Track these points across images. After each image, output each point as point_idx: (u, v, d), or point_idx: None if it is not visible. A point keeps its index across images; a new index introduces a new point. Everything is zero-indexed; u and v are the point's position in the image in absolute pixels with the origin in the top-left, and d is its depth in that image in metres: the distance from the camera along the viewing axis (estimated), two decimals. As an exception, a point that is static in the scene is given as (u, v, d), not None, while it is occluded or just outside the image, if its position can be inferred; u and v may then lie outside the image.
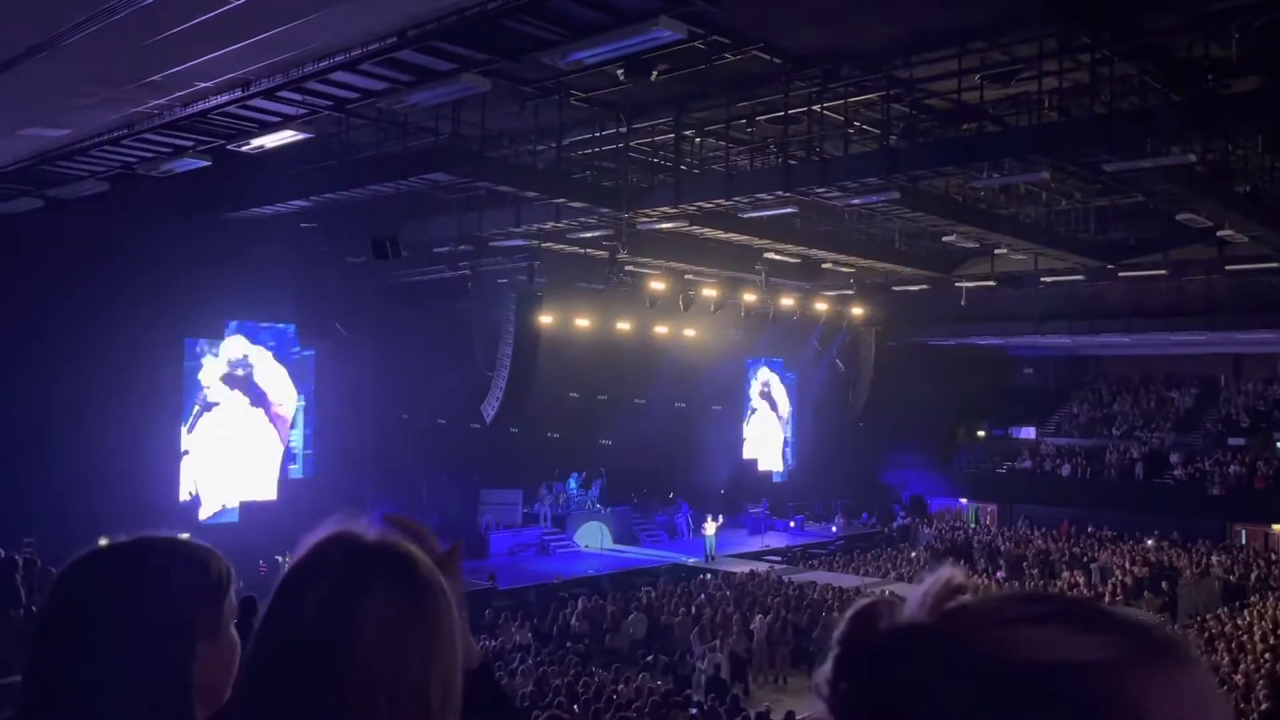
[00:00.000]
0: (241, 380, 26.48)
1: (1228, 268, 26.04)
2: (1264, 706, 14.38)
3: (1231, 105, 14.16)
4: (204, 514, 24.92)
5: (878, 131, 17.13)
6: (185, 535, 1.53)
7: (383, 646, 1.08)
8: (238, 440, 26.05)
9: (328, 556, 1.14)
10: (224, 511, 25.40)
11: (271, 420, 26.95)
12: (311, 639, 1.08)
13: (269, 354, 26.94)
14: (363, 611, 1.09)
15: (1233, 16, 12.92)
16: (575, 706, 13.42)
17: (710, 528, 30.09)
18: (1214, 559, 28.64)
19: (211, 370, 25.92)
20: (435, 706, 1.11)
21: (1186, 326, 31.16)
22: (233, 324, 26.15)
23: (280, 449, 26.99)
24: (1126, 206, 22.95)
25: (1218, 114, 13.99)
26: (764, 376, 40.01)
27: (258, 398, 26.77)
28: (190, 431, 25.21)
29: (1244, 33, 13.13)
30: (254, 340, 26.69)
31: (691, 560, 29.25)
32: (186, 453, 25.12)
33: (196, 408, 25.52)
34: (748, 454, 38.74)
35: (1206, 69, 13.78)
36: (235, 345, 26.36)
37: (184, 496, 24.87)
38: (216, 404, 25.86)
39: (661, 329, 31.89)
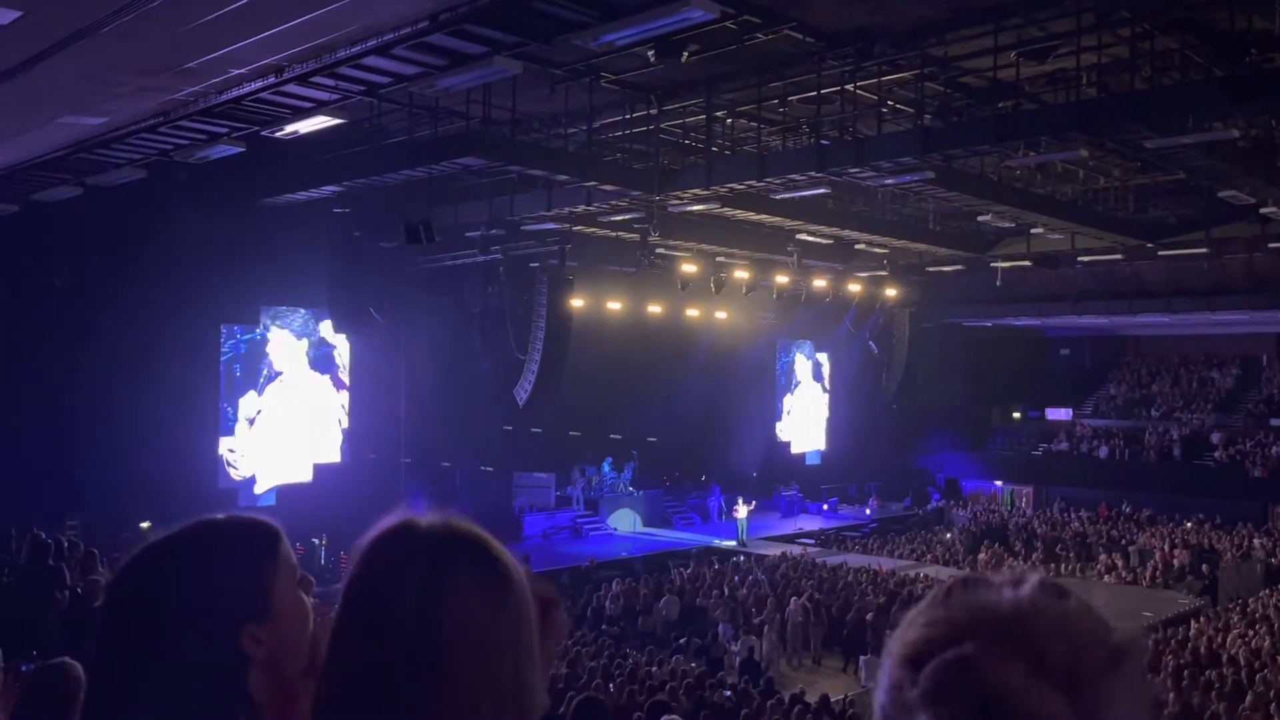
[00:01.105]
0: (313, 359, 27.10)
1: (1270, 245, 25.54)
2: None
3: (1275, 79, 13.84)
4: (245, 493, 25.35)
5: (912, 110, 16.91)
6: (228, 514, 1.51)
7: (476, 644, 1.09)
8: (296, 417, 26.61)
9: (406, 556, 1.13)
10: (263, 494, 25.75)
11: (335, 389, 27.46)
12: (411, 645, 1.07)
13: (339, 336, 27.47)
14: (457, 610, 1.09)
15: (1278, -12, 12.62)
16: (610, 688, 13.50)
17: (742, 511, 30.07)
18: (1255, 541, 28.21)
19: (280, 344, 26.49)
20: (528, 704, 1.12)
21: (1227, 306, 30.61)
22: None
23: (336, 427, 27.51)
24: (1166, 184, 22.54)
25: (1261, 88, 13.67)
26: (796, 358, 39.87)
27: (325, 375, 27.32)
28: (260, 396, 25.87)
29: (1289, 4, 12.82)
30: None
31: (724, 543, 29.27)
32: (253, 419, 25.72)
33: (264, 374, 26.17)
34: (780, 436, 38.65)
35: (1249, 42, 13.48)
36: (308, 324, 26.90)
37: (243, 474, 25.46)
38: (280, 375, 26.41)
39: (693, 312, 31.82)
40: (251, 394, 26.01)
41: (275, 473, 26.10)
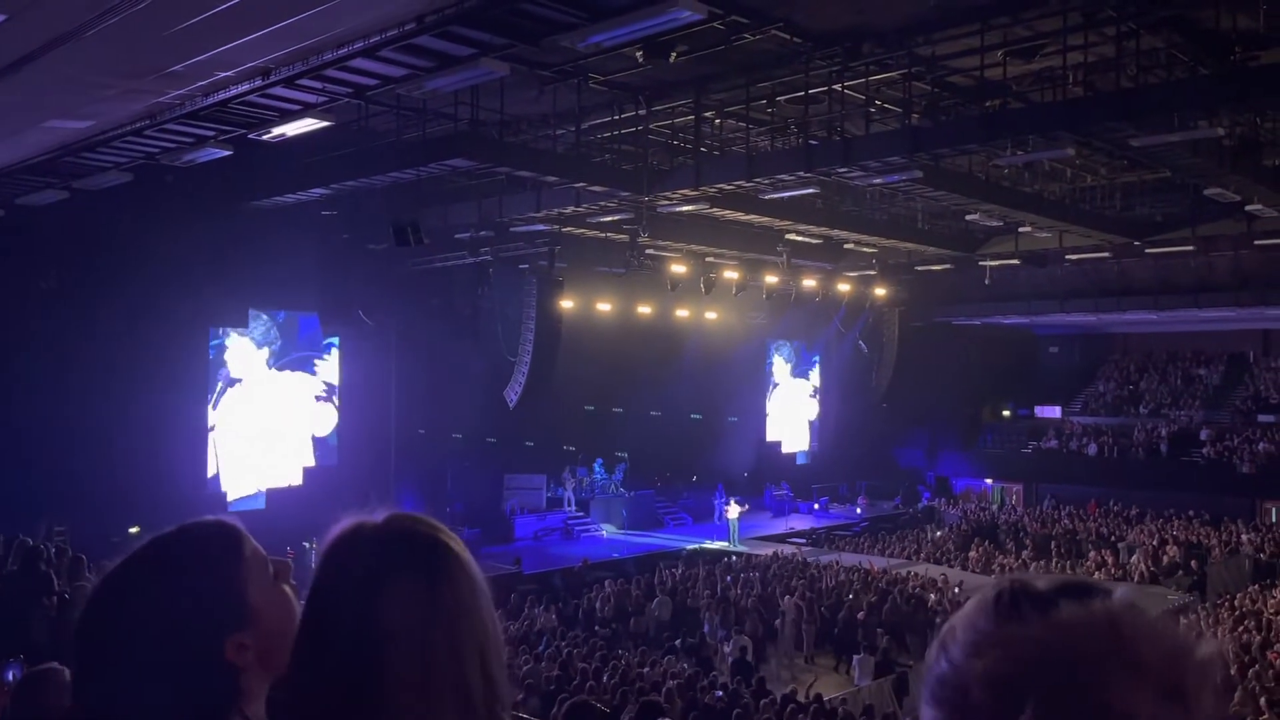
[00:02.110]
0: (288, 363, 26.94)
1: (1256, 243, 25.68)
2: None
3: (1260, 77, 13.90)
4: (231, 499, 25.21)
5: (899, 110, 16.95)
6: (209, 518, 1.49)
7: (409, 648, 1.08)
8: (271, 423, 26.44)
9: (345, 563, 1.14)
10: (252, 497, 25.66)
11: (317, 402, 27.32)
12: (346, 651, 1.09)
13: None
14: (385, 616, 1.09)
15: (1262, -14, 12.70)
16: (602, 689, 13.49)
17: (733, 512, 30.09)
18: (1244, 537, 28.36)
19: (247, 350, 26.28)
20: (478, 696, 1.10)
21: (1214, 303, 30.77)
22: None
23: (313, 435, 27.34)
24: (1153, 182, 22.66)
25: (1246, 86, 13.75)
26: (786, 358, 39.93)
27: (300, 381, 27.18)
28: (214, 409, 25.60)
29: (1271, 3, 12.91)
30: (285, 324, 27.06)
31: (715, 544, 29.28)
32: (212, 427, 25.47)
33: (220, 385, 25.90)
34: (771, 436, 38.69)
35: (1234, 40, 13.56)
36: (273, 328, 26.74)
37: (227, 487, 25.29)
38: (239, 381, 26.18)
39: (683, 312, 31.84)
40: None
41: (262, 477, 25.98)
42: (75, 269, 21.57)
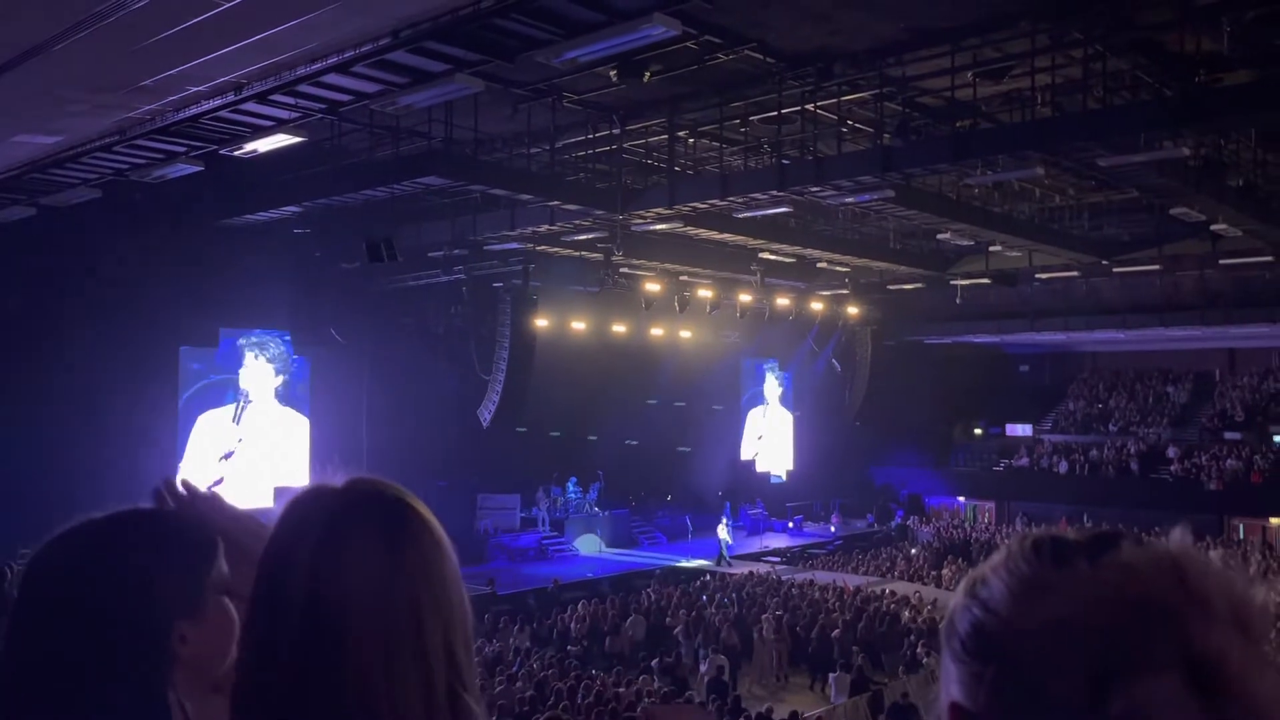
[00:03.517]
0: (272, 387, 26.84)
1: (1221, 262, 26.09)
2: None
3: (1224, 99, 14.18)
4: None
5: (871, 130, 17.14)
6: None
7: (370, 603, 1.02)
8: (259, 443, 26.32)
9: (304, 519, 1.10)
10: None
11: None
12: (304, 606, 1.03)
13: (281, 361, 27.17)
14: (345, 571, 1.03)
15: (1223, 10, 12.96)
16: (576, 710, 13.38)
17: (723, 531, 30.08)
18: (1212, 554, 28.58)
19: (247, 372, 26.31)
20: (437, 660, 1.04)
21: (1181, 321, 31.23)
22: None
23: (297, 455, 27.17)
24: (1120, 202, 23.00)
25: (1210, 108, 14.00)
26: (760, 377, 40.02)
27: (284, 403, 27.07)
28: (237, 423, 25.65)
29: (1235, 26, 13.18)
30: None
31: (690, 563, 29.20)
32: (230, 454, 25.49)
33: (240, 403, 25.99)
34: (745, 455, 38.72)
35: (1198, 63, 13.82)
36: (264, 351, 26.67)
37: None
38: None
39: (657, 331, 31.87)
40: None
41: (234, 498, 25.65)
42: (42, 289, 21.26)
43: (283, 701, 1.02)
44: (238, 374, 26.23)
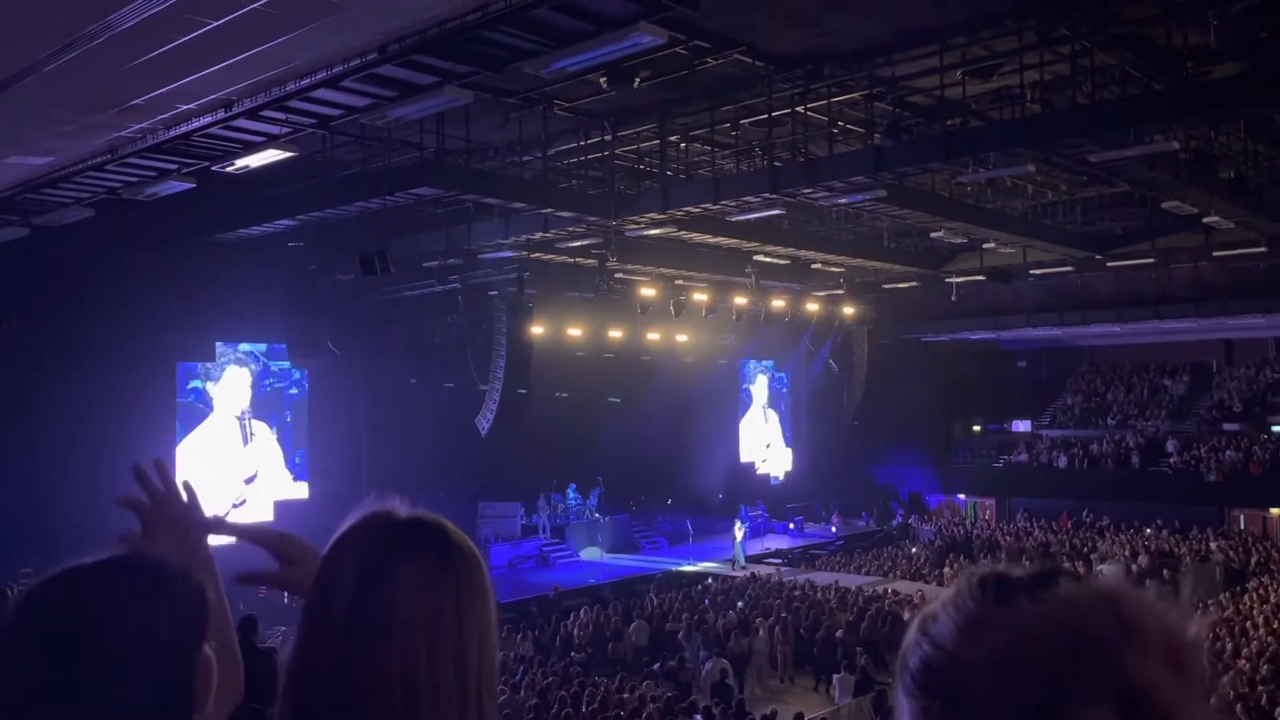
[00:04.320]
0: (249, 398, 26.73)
1: (1215, 254, 26.14)
2: (1270, 688, 14.38)
3: (1212, 91, 14.23)
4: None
5: (862, 130, 17.17)
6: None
7: (416, 612, 1.12)
8: (239, 458, 26.19)
9: (363, 531, 1.19)
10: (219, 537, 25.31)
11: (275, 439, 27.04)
12: (350, 608, 1.12)
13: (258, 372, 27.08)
14: (397, 580, 1.13)
15: (1210, 3, 13.00)
16: (580, 717, 13.38)
17: (739, 532, 30.10)
18: (1213, 545, 28.67)
19: (217, 387, 26.14)
20: (473, 672, 1.13)
21: (1176, 314, 31.25)
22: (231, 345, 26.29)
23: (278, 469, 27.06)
24: (1112, 196, 23.04)
25: (1199, 101, 14.04)
26: (758, 379, 40.04)
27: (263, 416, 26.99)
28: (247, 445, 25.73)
29: (1221, 19, 13.20)
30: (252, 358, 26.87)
31: (690, 566, 29.20)
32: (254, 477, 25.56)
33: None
34: (744, 457, 38.72)
35: (1186, 56, 13.86)
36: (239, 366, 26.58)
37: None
38: (214, 419, 25.98)
39: (653, 335, 31.88)
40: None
41: (234, 513, 25.65)
42: (37, 308, 21.26)
43: (330, 706, 1.11)
44: (210, 390, 25.98)
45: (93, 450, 20.99)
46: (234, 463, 26.21)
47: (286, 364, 26.90)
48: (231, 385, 26.38)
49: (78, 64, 9.66)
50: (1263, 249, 24.94)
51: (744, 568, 28.63)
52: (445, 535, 1.21)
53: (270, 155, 14.12)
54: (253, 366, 26.78)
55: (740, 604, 22.43)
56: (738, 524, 30.43)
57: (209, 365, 25.95)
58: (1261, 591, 22.85)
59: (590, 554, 30.93)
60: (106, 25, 8.57)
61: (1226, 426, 35.11)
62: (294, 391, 27.67)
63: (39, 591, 1.29)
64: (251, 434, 26.59)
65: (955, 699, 0.81)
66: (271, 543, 1.51)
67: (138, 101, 10.99)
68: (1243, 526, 32.10)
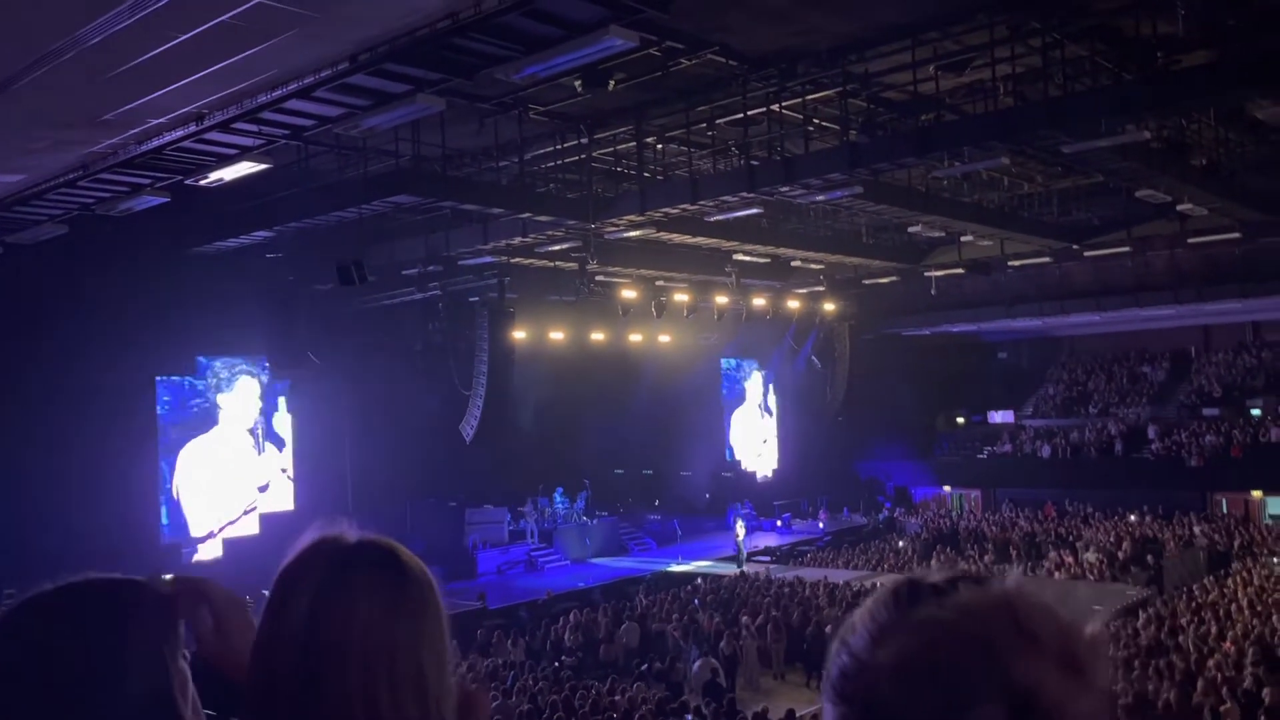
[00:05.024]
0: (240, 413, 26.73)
1: (1190, 241, 26.36)
2: (1257, 670, 14.50)
3: (1182, 80, 14.33)
4: (195, 533, 24.99)
5: (837, 127, 17.23)
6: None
7: (375, 635, 1.12)
8: (226, 473, 26.13)
9: (315, 556, 1.19)
10: (208, 549, 25.20)
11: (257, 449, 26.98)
12: (306, 634, 1.12)
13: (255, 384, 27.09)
14: (352, 603, 1.13)
15: (1177, -8, 13.10)
16: (572, 721, 13.36)
17: (740, 530, 30.14)
18: (1196, 529, 28.91)
19: (229, 396, 26.33)
20: (433, 690, 1.15)
21: (1154, 301, 31.53)
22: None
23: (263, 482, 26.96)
24: (1087, 187, 23.20)
25: (1169, 90, 14.15)
26: (742, 378, 40.11)
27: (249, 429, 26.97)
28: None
29: (1190, 9, 13.32)
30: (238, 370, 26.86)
31: (680, 567, 29.21)
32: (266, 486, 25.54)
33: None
34: (730, 455, 38.78)
35: (1155, 46, 13.97)
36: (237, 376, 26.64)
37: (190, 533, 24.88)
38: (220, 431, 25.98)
39: (636, 337, 31.88)
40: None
41: (220, 526, 25.55)
42: (11, 327, 21.06)
43: None
44: (216, 399, 26.14)
45: (73, 466, 20.86)
46: (246, 472, 26.34)
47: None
48: (242, 395, 26.53)
49: (47, 80, 9.59)
50: (1236, 235, 25.17)
51: (744, 563, 28.68)
52: (397, 558, 1.21)
53: (244, 167, 14.04)
54: (262, 378, 26.80)
55: (716, 597, 22.48)
56: (739, 522, 30.50)
57: (220, 375, 26.09)
58: (1245, 575, 23.06)
59: (574, 550, 30.97)
60: (74, 41, 8.50)
61: (1206, 411, 35.42)
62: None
63: (3, 623, 1.30)
64: (264, 445, 26.61)
65: (869, 706, 0.85)
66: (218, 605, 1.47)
67: (108, 117, 10.92)
68: (1225, 510, 32.39)
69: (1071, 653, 0.83)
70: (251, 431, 26.78)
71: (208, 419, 25.98)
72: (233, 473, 26.11)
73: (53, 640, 1.26)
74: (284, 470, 27.00)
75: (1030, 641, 0.82)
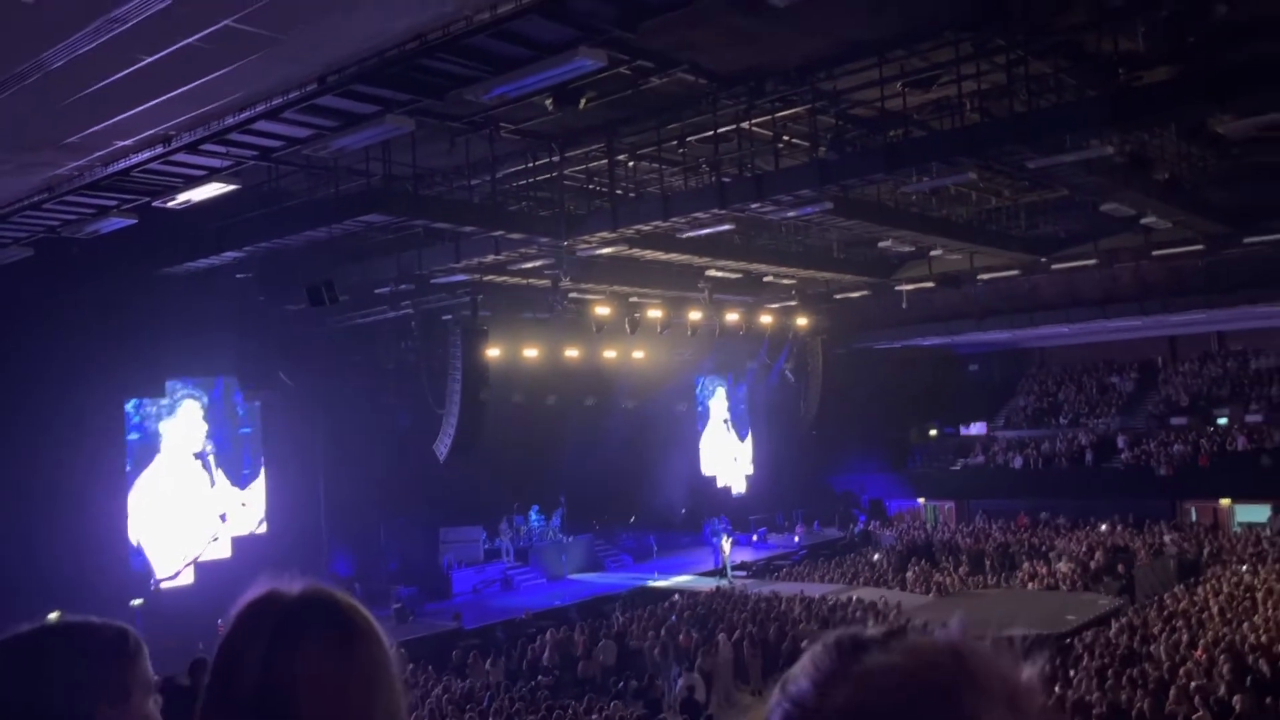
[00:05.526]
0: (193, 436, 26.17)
1: (1155, 253, 26.72)
2: (1228, 679, 14.63)
3: (1144, 96, 14.57)
4: (160, 575, 24.41)
5: (807, 144, 17.36)
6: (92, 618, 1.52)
7: (323, 696, 1.12)
8: (186, 498, 25.63)
9: (260, 619, 1.17)
10: (178, 574, 24.81)
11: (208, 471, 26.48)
12: (256, 700, 1.11)
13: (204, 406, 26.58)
14: (300, 664, 1.13)
15: (1138, 10, 13.32)
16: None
17: (726, 545, 30.13)
18: (1166, 538, 29.19)
19: (173, 424, 25.58)
20: None
21: (1121, 313, 31.90)
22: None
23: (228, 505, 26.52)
24: (1054, 200, 23.48)
25: (1131, 106, 14.37)
26: (715, 393, 40.16)
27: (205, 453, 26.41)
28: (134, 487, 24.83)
29: (1150, 25, 13.55)
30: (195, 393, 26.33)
31: (656, 583, 29.15)
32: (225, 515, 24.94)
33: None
34: (705, 471, 38.80)
35: (1117, 63, 14.19)
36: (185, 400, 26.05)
37: (155, 563, 24.39)
38: (166, 459, 25.41)
39: (610, 353, 31.88)
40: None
41: (188, 551, 25.09)
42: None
43: None
44: (158, 427, 25.29)
45: (41, 491, 20.54)
46: (201, 501, 25.68)
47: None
48: (184, 420, 25.82)
49: (10, 103, 9.50)
50: (1200, 247, 25.56)
51: (731, 579, 28.64)
52: (343, 613, 1.20)
53: (213, 189, 13.95)
54: (204, 400, 26.25)
55: (693, 613, 22.45)
56: (725, 537, 30.50)
57: (161, 402, 25.36)
58: (1215, 583, 23.29)
59: (553, 566, 30.84)
60: (38, 64, 8.43)
61: (1174, 421, 35.84)
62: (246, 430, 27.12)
63: None
64: (215, 473, 26.07)
65: None
66: None
67: (73, 139, 10.82)
68: (1194, 519, 32.75)
69: (1016, 697, 0.87)
70: (200, 456, 26.01)
71: (149, 450, 25.01)
72: (187, 505, 25.24)
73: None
74: (243, 504, 26.29)
75: (978, 685, 0.85)
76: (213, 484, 26.03)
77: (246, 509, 26.56)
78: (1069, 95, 15.67)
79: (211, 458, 26.09)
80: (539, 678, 19.05)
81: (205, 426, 26.17)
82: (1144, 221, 22.23)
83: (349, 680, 1.14)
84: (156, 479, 25.03)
